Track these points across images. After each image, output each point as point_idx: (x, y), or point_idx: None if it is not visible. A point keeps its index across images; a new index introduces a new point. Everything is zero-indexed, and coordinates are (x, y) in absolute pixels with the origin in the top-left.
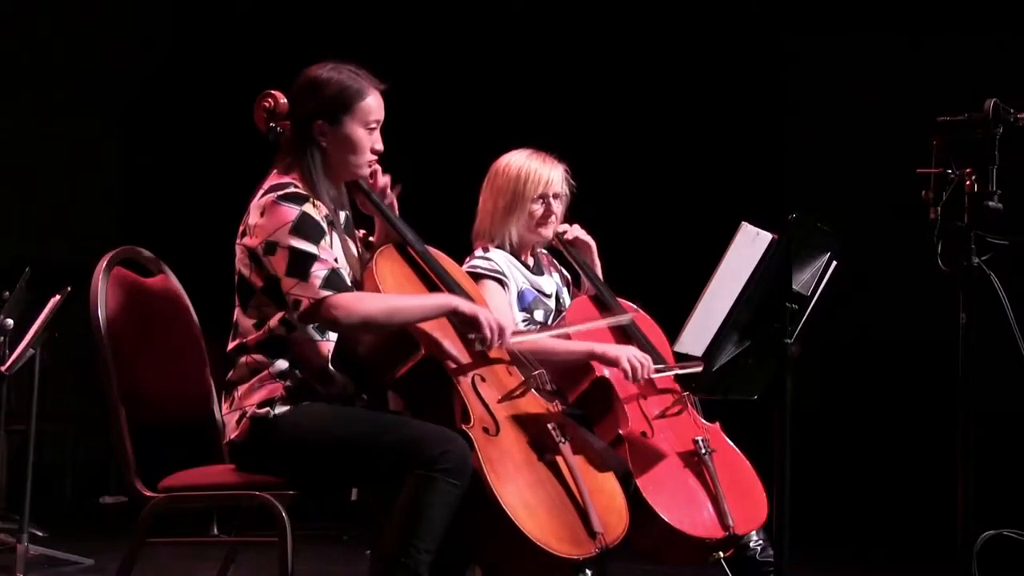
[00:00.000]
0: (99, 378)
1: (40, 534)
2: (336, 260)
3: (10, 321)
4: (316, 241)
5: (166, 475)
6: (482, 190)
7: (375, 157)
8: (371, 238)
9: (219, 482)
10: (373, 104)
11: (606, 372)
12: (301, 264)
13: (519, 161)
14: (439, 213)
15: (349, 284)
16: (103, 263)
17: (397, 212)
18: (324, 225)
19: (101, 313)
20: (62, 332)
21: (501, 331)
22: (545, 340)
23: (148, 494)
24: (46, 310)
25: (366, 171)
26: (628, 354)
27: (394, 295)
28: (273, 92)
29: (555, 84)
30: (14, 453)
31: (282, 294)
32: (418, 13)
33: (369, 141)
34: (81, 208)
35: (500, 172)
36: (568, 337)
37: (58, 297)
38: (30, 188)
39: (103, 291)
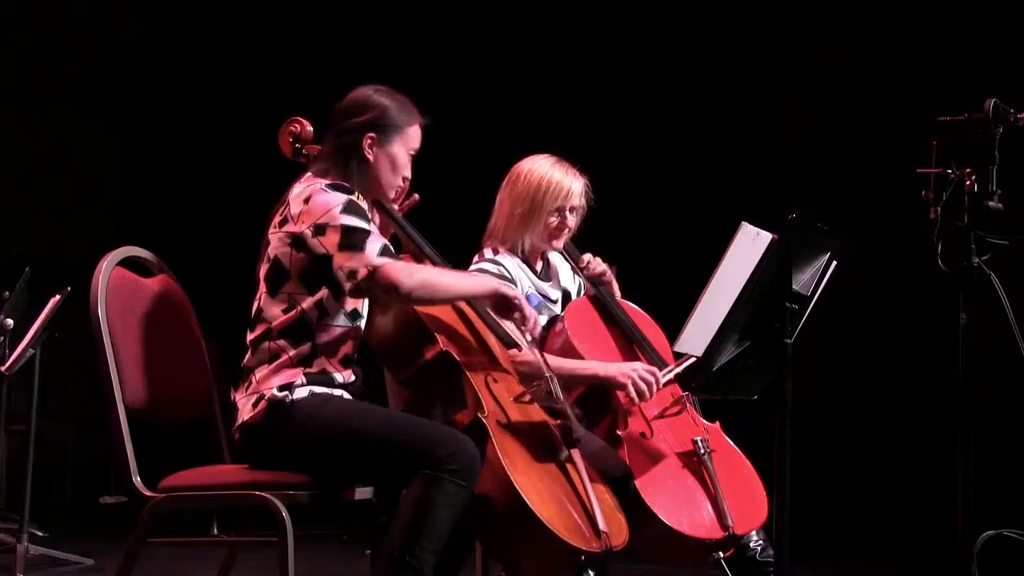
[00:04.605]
0: (99, 378)
1: (40, 534)
2: None
3: (10, 321)
4: (366, 220)
5: (166, 475)
6: (500, 190)
7: (404, 185)
8: None
9: (219, 482)
10: (416, 134)
11: None
12: (354, 238)
13: (542, 169)
14: (446, 215)
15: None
16: (103, 263)
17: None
18: (368, 214)
19: (101, 313)
20: (62, 332)
21: (536, 320)
22: (549, 358)
23: (148, 494)
24: (46, 310)
25: (393, 193)
26: (635, 377)
27: (442, 269)
28: (299, 118)
29: (556, 85)
30: (14, 453)
31: (326, 275)
32: (426, 16)
33: (406, 165)
34: (81, 208)
35: (522, 177)
36: (563, 328)
37: (58, 297)
38: (30, 188)
39: (103, 291)
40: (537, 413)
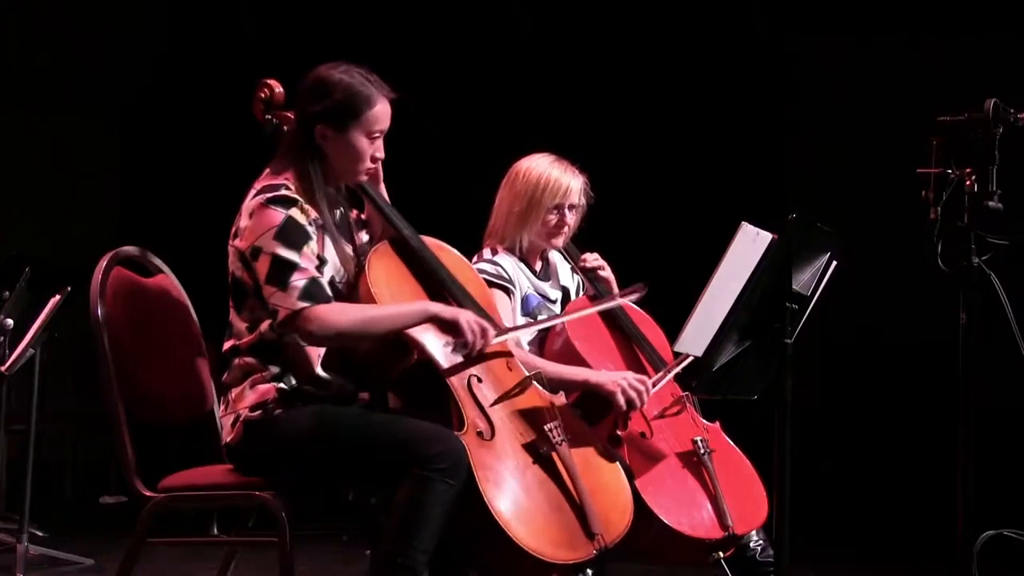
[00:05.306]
0: (99, 378)
1: (40, 534)
2: (320, 267)
3: (10, 321)
4: (299, 248)
5: (166, 475)
6: (500, 189)
7: (374, 165)
8: (363, 215)
9: (218, 482)
10: (380, 113)
11: None
12: (281, 272)
13: (540, 167)
14: (447, 210)
15: (329, 294)
16: (103, 263)
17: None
18: (311, 229)
19: (101, 313)
20: (62, 332)
21: (484, 332)
22: (539, 361)
23: (148, 494)
24: (46, 310)
25: (364, 178)
26: (624, 385)
27: (370, 306)
28: (269, 82)
29: (557, 85)
30: (14, 453)
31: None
32: (427, 16)
33: (371, 150)
34: (81, 208)
35: (520, 175)
36: (563, 327)
37: (58, 297)
38: (30, 188)
39: (103, 291)
40: (527, 406)
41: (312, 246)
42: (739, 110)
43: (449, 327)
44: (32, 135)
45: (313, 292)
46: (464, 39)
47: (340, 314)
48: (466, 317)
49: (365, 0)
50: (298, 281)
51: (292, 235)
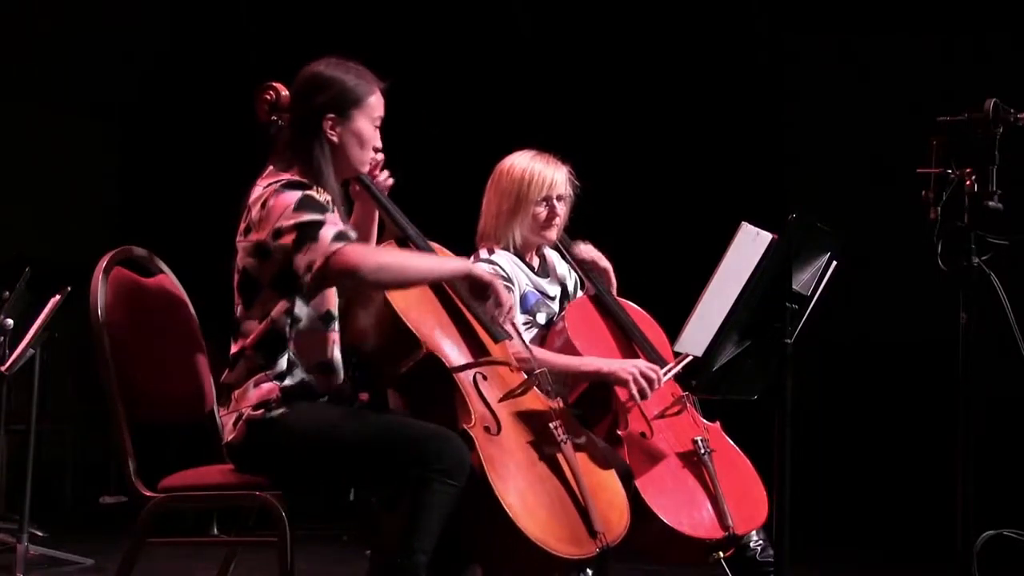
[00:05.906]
0: (99, 378)
1: (40, 534)
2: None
3: (10, 321)
4: (323, 212)
5: (166, 475)
6: (486, 191)
7: (376, 155)
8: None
9: (218, 482)
10: (377, 101)
11: None
12: (309, 232)
13: (523, 163)
14: (444, 213)
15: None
16: (103, 263)
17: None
18: (330, 206)
19: (101, 313)
20: (62, 332)
21: (511, 305)
22: (548, 354)
23: (148, 494)
24: (46, 310)
25: (367, 167)
26: (637, 373)
27: (408, 252)
28: (274, 84)
29: (557, 84)
30: (14, 453)
31: (293, 279)
32: (426, 17)
33: (374, 137)
34: (81, 208)
35: (504, 174)
36: (563, 327)
37: (58, 297)
38: (30, 188)
39: (103, 291)
40: (531, 405)
41: (333, 216)
42: (739, 110)
43: (483, 287)
44: (32, 135)
45: (345, 235)
46: (464, 39)
47: (380, 251)
48: (500, 283)
49: (365, 0)
50: (328, 230)
51: (312, 206)
